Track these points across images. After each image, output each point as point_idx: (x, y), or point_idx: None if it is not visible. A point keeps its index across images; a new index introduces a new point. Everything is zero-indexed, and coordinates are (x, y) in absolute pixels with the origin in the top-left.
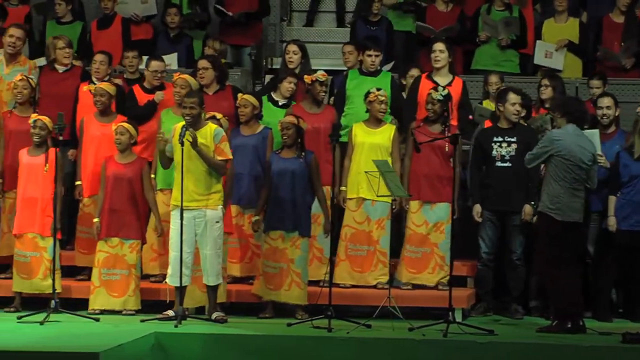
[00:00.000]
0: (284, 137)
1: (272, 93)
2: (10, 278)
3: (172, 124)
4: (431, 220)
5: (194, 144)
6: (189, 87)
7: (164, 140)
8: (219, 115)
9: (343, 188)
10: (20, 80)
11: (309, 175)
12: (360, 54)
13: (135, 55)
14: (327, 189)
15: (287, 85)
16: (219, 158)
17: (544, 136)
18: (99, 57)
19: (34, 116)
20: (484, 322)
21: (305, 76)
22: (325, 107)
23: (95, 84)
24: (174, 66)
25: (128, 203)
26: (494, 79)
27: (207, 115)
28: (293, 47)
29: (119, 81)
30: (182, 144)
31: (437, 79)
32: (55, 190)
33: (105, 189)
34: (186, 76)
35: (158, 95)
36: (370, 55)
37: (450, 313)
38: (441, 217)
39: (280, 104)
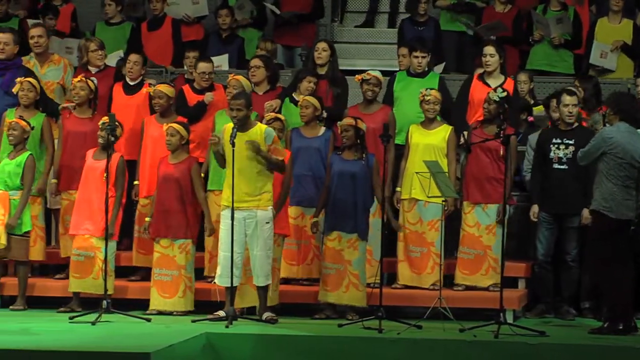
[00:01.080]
0: (344, 139)
1: (292, 93)
2: (66, 278)
3: (222, 125)
4: (483, 222)
5: (258, 151)
6: (242, 88)
7: (216, 143)
8: (282, 117)
9: (398, 189)
10: (78, 81)
11: (370, 177)
12: (409, 56)
13: (195, 55)
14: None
15: (307, 84)
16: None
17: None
18: (133, 58)
19: (104, 118)
20: (535, 323)
21: (356, 76)
22: (380, 107)
23: (130, 84)
24: (225, 67)
25: (177, 203)
26: (522, 77)
27: (271, 116)
28: (322, 45)
29: (153, 82)
30: (232, 144)
31: (488, 80)
32: (115, 193)
33: (157, 189)
34: (239, 77)
35: (207, 96)
36: (416, 57)
37: (501, 314)
38: (493, 219)
39: (299, 103)
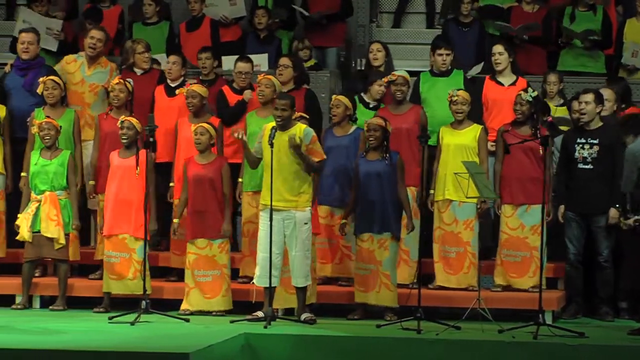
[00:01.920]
0: (371, 139)
1: (362, 94)
2: (99, 279)
3: (257, 126)
4: (527, 223)
5: (298, 148)
6: (273, 87)
7: (240, 137)
8: (307, 115)
9: (432, 191)
10: (117, 83)
11: (394, 174)
12: (432, 56)
13: (208, 56)
14: (411, 190)
15: (378, 87)
16: (313, 158)
17: (623, 155)
18: (172, 59)
19: (122, 117)
20: (574, 324)
21: (383, 78)
22: (410, 108)
23: (171, 86)
24: (264, 67)
25: (212, 203)
26: (552, 78)
27: (296, 115)
28: (377, 46)
29: (193, 82)
30: (271, 145)
31: (500, 79)
32: (148, 190)
33: (188, 190)
34: (271, 76)
35: (247, 94)
36: (440, 55)
37: (540, 315)
38: (537, 220)
39: (370, 105)
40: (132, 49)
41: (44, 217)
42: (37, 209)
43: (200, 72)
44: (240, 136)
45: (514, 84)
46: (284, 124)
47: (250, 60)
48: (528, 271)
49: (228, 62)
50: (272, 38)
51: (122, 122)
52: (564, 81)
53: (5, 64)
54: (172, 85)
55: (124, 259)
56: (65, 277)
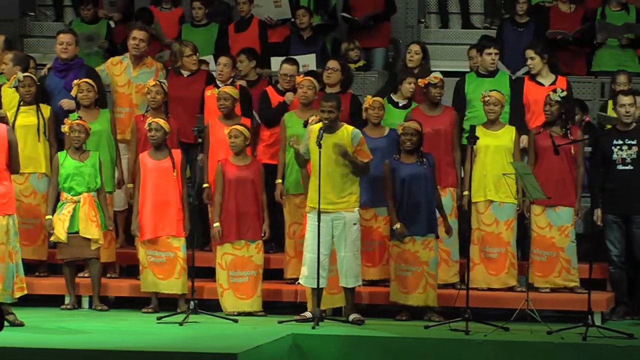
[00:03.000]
0: (407, 143)
1: (391, 94)
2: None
3: (295, 127)
4: (555, 223)
5: (345, 155)
6: (315, 89)
7: (296, 144)
8: None
9: (465, 193)
10: (153, 85)
11: (431, 176)
12: (479, 55)
13: (242, 58)
14: (450, 191)
15: (408, 86)
16: (362, 160)
17: None
18: (222, 60)
19: (149, 119)
20: (624, 325)
21: (419, 80)
22: (444, 109)
23: (219, 87)
24: (312, 67)
25: (253, 204)
26: (622, 78)
27: (315, 120)
28: (415, 47)
29: (243, 83)
30: (319, 146)
31: (540, 79)
32: (182, 191)
33: (225, 192)
34: (311, 77)
35: (288, 97)
36: (489, 54)
37: (589, 316)
38: (565, 220)
39: (400, 105)
40: (180, 52)
41: (84, 218)
42: (74, 210)
43: (262, 74)
44: (295, 143)
45: (553, 83)
46: (331, 126)
47: (295, 62)
48: (554, 271)
49: (276, 63)
50: (316, 39)
51: (150, 123)
52: (632, 81)
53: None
54: (222, 86)
55: (169, 258)
56: (99, 277)
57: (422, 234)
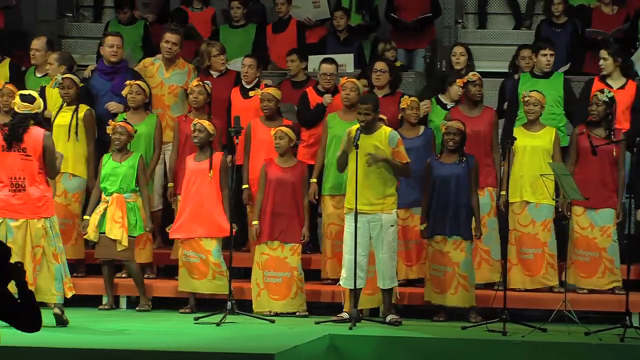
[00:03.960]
0: (450, 143)
1: (439, 95)
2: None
3: (338, 128)
4: (597, 223)
5: (384, 160)
6: (358, 90)
7: (350, 141)
8: (384, 117)
9: (502, 193)
10: (196, 85)
11: (469, 178)
12: (534, 56)
13: (293, 58)
14: (489, 190)
15: (457, 88)
16: (399, 162)
17: None
18: (247, 61)
19: (195, 120)
20: None
21: (458, 80)
22: (484, 110)
23: (246, 87)
24: (350, 68)
25: (290, 206)
26: None
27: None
28: (460, 49)
29: (269, 82)
30: (356, 147)
31: (609, 81)
32: (223, 192)
33: (265, 192)
34: (354, 79)
35: (326, 99)
36: (545, 55)
37: (627, 317)
38: (607, 220)
39: (448, 106)
40: (208, 52)
41: (109, 219)
42: (104, 210)
43: (287, 74)
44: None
45: (623, 87)
46: (368, 127)
47: (334, 62)
48: (597, 272)
49: (312, 63)
50: (352, 40)
51: (195, 124)
52: None
53: (91, 65)
54: (247, 87)
55: (202, 259)
56: (140, 277)
57: (453, 234)
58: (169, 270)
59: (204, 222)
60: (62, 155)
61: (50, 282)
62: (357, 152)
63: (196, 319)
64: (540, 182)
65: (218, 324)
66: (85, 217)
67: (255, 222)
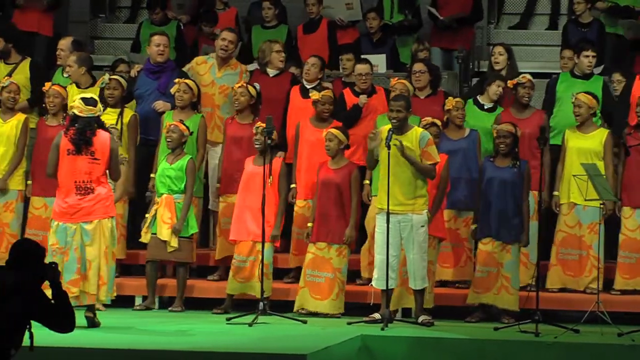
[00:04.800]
0: (501, 146)
1: (478, 96)
2: (218, 280)
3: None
4: None
5: (402, 152)
6: (408, 92)
7: (374, 138)
8: (438, 122)
9: (556, 193)
10: (239, 87)
11: (521, 184)
12: (576, 57)
13: (349, 58)
14: (533, 194)
15: (495, 88)
16: (427, 162)
17: None
18: (311, 60)
19: (258, 123)
20: None
21: (509, 81)
22: (534, 112)
23: (307, 87)
24: (382, 68)
25: (335, 208)
26: None
27: (427, 121)
28: (499, 49)
29: (329, 84)
30: (388, 147)
31: None
32: (279, 197)
33: (317, 194)
34: (404, 81)
35: (362, 99)
36: (587, 56)
37: None
38: None
39: (485, 107)
40: (270, 48)
41: (159, 220)
42: (156, 211)
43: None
44: (374, 137)
45: None
46: (400, 126)
47: (368, 62)
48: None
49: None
50: (386, 40)
51: (257, 127)
52: None
53: (126, 63)
54: (308, 86)
55: (252, 262)
56: (184, 280)
57: (502, 237)
58: (203, 271)
59: (259, 226)
60: (126, 159)
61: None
62: (388, 153)
63: (228, 319)
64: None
65: (250, 325)
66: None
67: (310, 224)
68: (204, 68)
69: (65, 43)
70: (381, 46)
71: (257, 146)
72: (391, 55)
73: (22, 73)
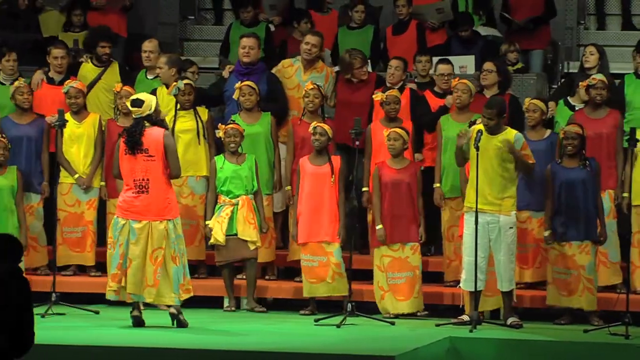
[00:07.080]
0: (569, 147)
1: (568, 97)
2: (300, 282)
3: (451, 130)
4: None
5: (512, 150)
6: (470, 92)
7: (463, 136)
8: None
9: (625, 194)
10: (311, 88)
11: (593, 182)
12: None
13: (427, 59)
14: (609, 193)
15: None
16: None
17: None
18: (394, 63)
19: (314, 123)
20: None
21: (581, 83)
22: (608, 112)
23: (390, 89)
24: (471, 69)
25: (407, 207)
26: None
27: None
28: (590, 49)
29: (413, 86)
30: (477, 148)
31: None
32: (341, 196)
33: (382, 195)
34: (466, 81)
35: (449, 100)
36: None
37: None
38: None
39: (576, 108)
40: (350, 64)
41: (242, 220)
42: (232, 212)
43: (408, 75)
44: (463, 134)
45: None
46: (492, 130)
47: (449, 62)
48: None
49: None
50: (476, 40)
51: (315, 127)
52: None
53: (215, 69)
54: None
55: (322, 262)
56: (255, 278)
57: (579, 239)
58: (289, 272)
59: (325, 226)
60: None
61: (168, 285)
62: (477, 154)
63: (316, 320)
64: None
65: (338, 326)
66: (207, 222)
67: (379, 226)
68: (291, 71)
69: (152, 45)
70: (472, 47)
71: (315, 145)
72: (481, 55)
73: (113, 75)
